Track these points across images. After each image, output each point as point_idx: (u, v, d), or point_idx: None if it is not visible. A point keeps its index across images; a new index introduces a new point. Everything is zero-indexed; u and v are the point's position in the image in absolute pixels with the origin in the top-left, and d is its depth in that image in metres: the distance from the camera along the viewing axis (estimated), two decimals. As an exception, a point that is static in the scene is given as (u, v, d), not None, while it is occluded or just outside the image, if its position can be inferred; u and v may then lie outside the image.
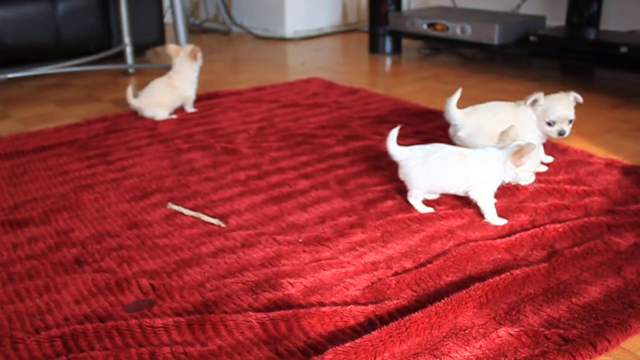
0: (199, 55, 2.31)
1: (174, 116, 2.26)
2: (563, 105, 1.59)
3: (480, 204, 1.43)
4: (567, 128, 1.61)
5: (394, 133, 1.47)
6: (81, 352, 1.02)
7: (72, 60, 2.68)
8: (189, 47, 2.30)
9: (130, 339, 1.05)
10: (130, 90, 2.24)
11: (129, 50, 2.97)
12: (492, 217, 1.41)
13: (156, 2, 3.19)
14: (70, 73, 2.97)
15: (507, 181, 1.43)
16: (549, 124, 1.60)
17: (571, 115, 1.60)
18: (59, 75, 2.97)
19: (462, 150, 1.45)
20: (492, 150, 1.41)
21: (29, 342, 1.04)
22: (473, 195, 1.43)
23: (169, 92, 2.25)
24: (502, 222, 1.41)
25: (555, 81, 2.71)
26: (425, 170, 1.43)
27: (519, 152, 1.36)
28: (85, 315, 1.12)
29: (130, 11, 2.94)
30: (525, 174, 1.40)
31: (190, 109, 2.32)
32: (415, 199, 1.49)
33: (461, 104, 1.71)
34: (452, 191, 1.47)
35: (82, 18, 2.91)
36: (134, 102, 2.23)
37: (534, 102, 1.61)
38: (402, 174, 1.48)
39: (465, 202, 1.51)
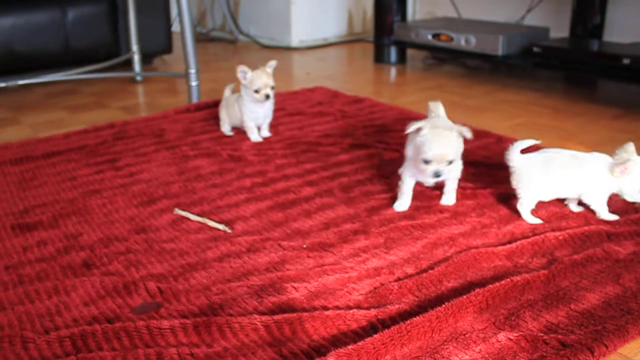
0: (240, 75, 2.04)
1: (231, 133, 2.18)
2: None
3: (593, 207, 1.48)
4: None
5: (523, 144, 1.48)
6: (90, 352, 1.04)
7: (81, 68, 2.71)
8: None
9: (137, 340, 1.07)
10: (228, 89, 2.23)
11: (137, 58, 3.01)
12: (606, 215, 1.47)
13: (164, 11, 3.23)
14: (79, 80, 3.01)
15: (611, 191, 1.46)
16: None
17: None
18: (68, 82, 3.01)
19: (578, 154, 1.48)
20: (605, 156, 1.45)
21: (39, 342, 1.07)
22: (586, 198, 1.47)
23: (233, 107, 2.14)
24: (614, 217, 1.46)
25: (559, 92, 2.73)
26: (547, 176, 1.46)
27: (622, 164, 1.40)
28: (94, 317, 1.15)
29: (139, 20, 2.99)
30: (629, 188, 1.43)
31: (251, 136, 2.12)
32: (527, 208, 1.48)
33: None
34: (567, 195, 1.50)
35: (91, 26, 2.96)
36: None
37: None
38: (519, 181, 1.48)
39: (467, 209, 1.53)
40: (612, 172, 1.42)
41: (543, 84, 2.86)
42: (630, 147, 1.44)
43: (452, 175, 1.52)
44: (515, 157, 1.48)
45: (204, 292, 1.21)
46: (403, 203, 1.56)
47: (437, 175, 1.42)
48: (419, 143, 1.43)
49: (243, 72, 2.02)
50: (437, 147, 1.40)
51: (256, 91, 2.02)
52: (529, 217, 1.48)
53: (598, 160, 1.45)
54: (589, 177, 1.44)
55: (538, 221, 1.47)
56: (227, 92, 2.23)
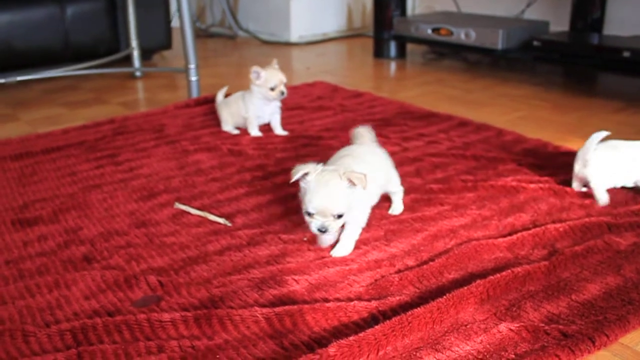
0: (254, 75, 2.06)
1: (237, 132, 2.16)
2: None
3: None
4: None
5: (599, 136, 1.52)
6: (91, 345, 1.04)
7: (80, 64, 2.71)
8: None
9: (138, 333, 1.07)
10: (220, 94, 2.22)
11: (136, 53, 3.01)
12: None
13: (163, 7, 3.23)
14: (79, 76, 3.01)
15: None
16: None
17: None
18: (67, 78, 3.01)
19: (635, 143, 1.54)
20: None
21: (39, 336, 1.07)
22: None
23: (235, 106, 2.14)
24: None
25: (559, 86, 2.73)
26: (618, 165, 1.51)
27: None
28: (95, 311, 1.15)
29: (138, 15, 2.98)
30: None
31: (251, 131, 2.12)
32: (604, 191, 1.52)
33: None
34: (625, 182, 1.55)
35: (90, 22, 2.95)
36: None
37: None
38: (589, 171, 1.51)
39: (468, 202, 1.53)
40: None
41: (543, 78, 2.86)
42: None
43: (351, 221, 1.30)
44: (592, 147, 1.51)
45: (205, 285, 1.21)
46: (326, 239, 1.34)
47: (321, 230, 1.22)
48: (302, 191, 1.24)
49: (256, 72, 2.03)
50: (321, 199, 1.20)
51: (272, 89, 2.04)
52: (605, 197, 1.52)
53: None
54: None
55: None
56: (220, 96, 2.24)
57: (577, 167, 1.54)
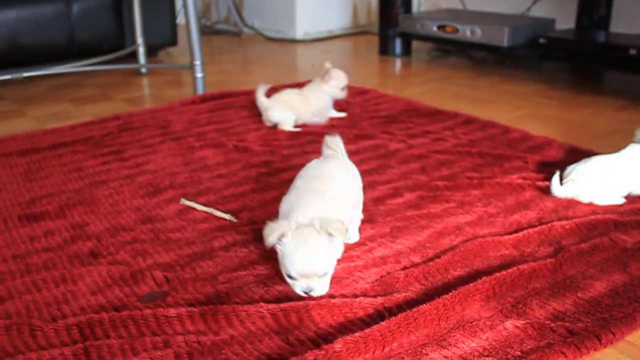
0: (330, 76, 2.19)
1: (298, 129, 2.15)
2: None
3: None
4: None
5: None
6: (97, 340, 1.05)
7: (86, 60, 2.72)
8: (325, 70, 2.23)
9: (144, 328, 1.07)
10: (261, 90, 2.19)
11: (141, 50, 3.01)
12: None
13: (169, 3, 3.23)
14: (84, 72, 3.01)
15: None
16: None
17: None
18: (73, 75, 3.01)
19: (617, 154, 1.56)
20: None
21: (46, 330, 1.07)
22: None
23: (301, 101, 2.17)
24: None
25: (565, 83, 2.72)
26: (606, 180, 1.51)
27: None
28: (101, 305, 1.15)
29: (144, 12, 2.98)
30: None
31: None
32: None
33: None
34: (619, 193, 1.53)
35: (96, 18, 2.96)
36: (264, 102, 2.17)
37: None
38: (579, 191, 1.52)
39: (474, 199, 1.53)
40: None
41: (549, 76, 2.85)
42: None
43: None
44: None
45: (211, 280, 1.21)
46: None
47: (307, 292, 1.13)
48: (280, 253, 1.13)
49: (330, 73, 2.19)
50: (302, 261, 1.10)
51: (342, 88, 2.20)
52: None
53: None
54: None
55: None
56: (261, 92, 2.18)
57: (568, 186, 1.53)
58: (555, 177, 1.53)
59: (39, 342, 1.05)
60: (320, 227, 1.10)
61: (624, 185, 1.52)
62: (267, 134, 2.08)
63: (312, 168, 1.33)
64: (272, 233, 1.10)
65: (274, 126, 2.15)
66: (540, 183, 1.59)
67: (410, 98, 2.48)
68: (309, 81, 2.26)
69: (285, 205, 1.23)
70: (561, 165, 1.72)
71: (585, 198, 1.50)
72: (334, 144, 1.40)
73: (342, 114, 2.26)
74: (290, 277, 1.13)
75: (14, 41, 2.73)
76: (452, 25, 2.95)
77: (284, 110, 2.14)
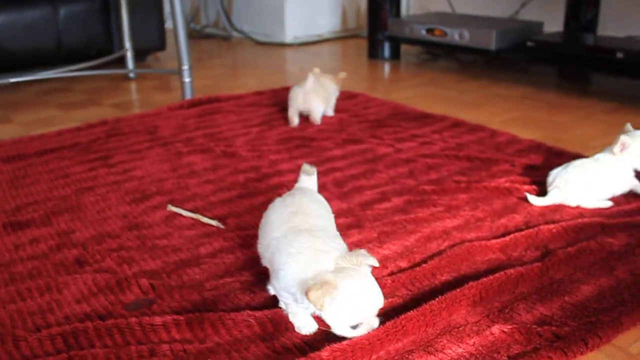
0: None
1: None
2: None
3: None
4: None
5: None
6: (82, 349, 1.04)
7: (73, 65, 2.70)
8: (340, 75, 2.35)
9: (130, 337, 1.06)
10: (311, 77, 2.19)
11: (129, 55, 3.00)
12: None
13: (157, 8, 3.22)
14: (72, 78, 3.00)
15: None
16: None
17: None
18: (60, 80, 3.00)
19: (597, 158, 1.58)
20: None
21: (30, 340, 1.06)
22: None
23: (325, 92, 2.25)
24: None
25: (552, 86, 2.73)
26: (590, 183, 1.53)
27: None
28: (86, 314, 1.14)
29: (131, 16, 2.97)
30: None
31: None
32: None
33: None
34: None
35: (83, 23, 2.94)
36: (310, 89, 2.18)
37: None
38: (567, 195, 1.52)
39: (461, 203, 1.53)
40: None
41: (537, 79, 2.86)
42: (628, 126, 1.56)
43: None
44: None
45: (197, 288, 1.21)
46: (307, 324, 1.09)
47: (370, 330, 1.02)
48: (328, 311, 0.98)
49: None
50: (371, 302, 0.99)
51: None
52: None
53: None
54: None
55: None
56: (311, 78, 2.19)
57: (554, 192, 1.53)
58: (530, 196, 1.53)
59: (23, 352, 1.04)
60: (355, 263, 1.00)
61: (608, 188, 1.52)
62: (255, 138, 2.07)
63: (287, 204, 1.15)
64: (324, 296, 0.94)
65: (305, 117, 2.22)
66: (526, 187, 1.59)
67: (398, 101, 2.48)
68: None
69: (294, 265, 1.02)
70: (548, 168, 1.73)
71: (572, 203, 1.51)
72: (311, 176, 1.26)
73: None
74: (353, 327, 1.00)
75: (0, 46, 2.72)
76: (441, 28, 2.96)
77: (322, 105, 2.22)
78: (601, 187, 1.51)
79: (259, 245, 1.15)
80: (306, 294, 0.95)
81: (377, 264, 1.01)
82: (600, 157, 1.55)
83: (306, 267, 1.00)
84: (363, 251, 1.02)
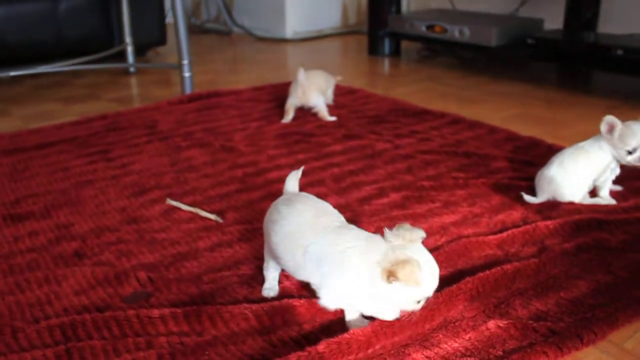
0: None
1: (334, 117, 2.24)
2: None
3: None
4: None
5: None
6: (80, 341, 1.04)
7: (73, 59, 2.70)
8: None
9: (127, 329, 1.07)
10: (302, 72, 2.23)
11: (129, 49, 3.01)
12: None
13: (157, 2, 3.22)
14: (71, 72, 3.00)
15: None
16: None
17: None
18: (60, 74, 3.00)
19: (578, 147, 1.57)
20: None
21: (28, 332, 1.06)
22: None
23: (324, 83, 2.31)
24: None
25: (552, 84, 2.73)
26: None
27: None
28: (84, 306, 1.14)
29: (132, 11, 2.97)
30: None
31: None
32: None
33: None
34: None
35: (83, 17, 2.94)
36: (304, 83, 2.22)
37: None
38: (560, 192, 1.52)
39: (459, 199, 1.54)
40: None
41: (537, 76, 2.86)
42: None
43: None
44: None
45: (195, 281, 1.21)
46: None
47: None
48: (397, 288, 0.96)
49: None
50: (430, 277, 0.99)
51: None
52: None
53: None
54: None
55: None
56: (302, 71, 2.23)
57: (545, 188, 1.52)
58: (526, 196, 1.53)
59: (21, 343, 1.04)
60: (410, 239, 1.00)
61: (589, 178, 1.50)
62: (255, 133, 2.08)
63: (283, 216, 1.12)
64: (414, 272, 0.93)
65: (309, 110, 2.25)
66: (524, 184, 1.59)
67: (398, 98, 2.48)
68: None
69: (352, 259, 1.00)
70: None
71: (563, 200, 1.50)
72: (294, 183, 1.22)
73: (333, 118, 2.22)
74: (418, 302, 0.99)
75: (0, 40, 2.72)
76: (441, 25, 2.96)
77: (323, 99, 2.24)
78: (582, 180, 1.49)
79: (282, 262, 1.10)
80: (389, 275, 0.93)
81: (425, 236, 1.01)
82: (584, 144, 1.52)
83: (364, 255, 0.99)
84: (408, 225, 1.01)
